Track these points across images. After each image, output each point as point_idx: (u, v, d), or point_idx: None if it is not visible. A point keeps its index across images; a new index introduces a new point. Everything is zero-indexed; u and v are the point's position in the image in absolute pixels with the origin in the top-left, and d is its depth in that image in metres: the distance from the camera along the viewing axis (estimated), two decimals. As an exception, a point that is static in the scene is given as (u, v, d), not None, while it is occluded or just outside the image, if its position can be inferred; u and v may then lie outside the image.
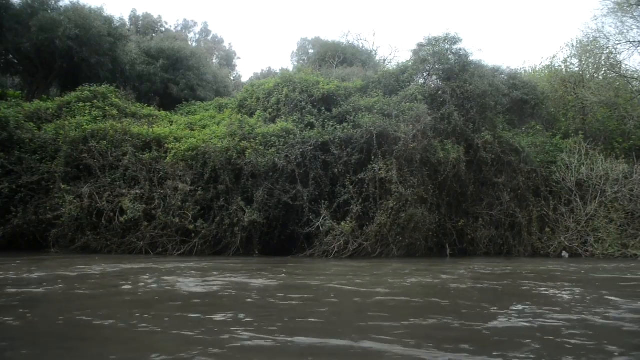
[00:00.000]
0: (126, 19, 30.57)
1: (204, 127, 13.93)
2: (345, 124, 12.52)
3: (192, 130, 13.65)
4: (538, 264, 10.63)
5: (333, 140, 12.24)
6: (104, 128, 12.27)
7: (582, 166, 14.06)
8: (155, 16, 35.16)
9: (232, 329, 4.00)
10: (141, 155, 11.99)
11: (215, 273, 7.73)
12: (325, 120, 12.96)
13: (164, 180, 11.69)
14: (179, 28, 44.30)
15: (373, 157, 11.97)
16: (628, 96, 17.49)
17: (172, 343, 3.62)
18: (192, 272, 7.85)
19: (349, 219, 11.47)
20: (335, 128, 12.52)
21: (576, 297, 6.07)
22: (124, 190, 11.45)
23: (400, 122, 12.40)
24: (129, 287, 6.19)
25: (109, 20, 19.23)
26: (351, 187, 11.84)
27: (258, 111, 13.88)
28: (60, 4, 18.77)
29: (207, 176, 11.66)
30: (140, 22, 33.18)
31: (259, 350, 3.49)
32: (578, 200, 13.62)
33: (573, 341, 3.79)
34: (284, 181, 11.83)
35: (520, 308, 5.19)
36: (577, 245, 12.92)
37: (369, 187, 11.76)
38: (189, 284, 6.42)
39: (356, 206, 11.60)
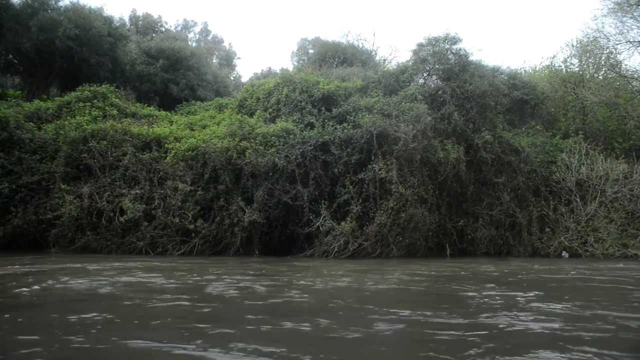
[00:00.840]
0: (126, 19, 30.61)
1: (204, 127, 13.93)
2: (345, 124, 12.52)
3: (192, 130, 13.65)
4: (503, 265, 10.30)
5: (333, 140, 12.24)
6: (104, 128, 12.27)
7: (582, 166, 14.07)
8: (155, 16, 35.19)
9: (75, 330, 3.89)
10: (141, 155, 11.99)
11: (136, 273, 7.48)
12: (325, 120, 12.96)
13: (164, 180, 11.69)
14: (179, 28, 44.31)
15: (373, 157, 11.97)
16: (628, 96, 17.49)
17: None
18: (112, 272, 7.51)
19: (349, 219, 11.46)
20: (335, 128, 12.52)
21: (492, 299, 5.69)
22: (124, 190, 11.45)
23: (400, 122, 12.40)
24: (18, 289, 5.89)
25: (109, 20, 19.22)
26: (351, 187, 11.84)
27: (258, 111, 13.88)
28: (60, 4, 18.80)
29: (207, 176, 11.65)
30: (140, 22, 33.18)
31: (85, 352, 3.41)
32: (578, 200, 13.62)
33: (431, 352, 3.52)
34: (284, 181, 11.83)
35: (412, 312, 4.86)
36: (577, 245, 12.93)
37: (369, 187, 11.76)
38: (82, 285, 6.18)
39: (356, 206, 11.60)
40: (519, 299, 5.79)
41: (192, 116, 15.89)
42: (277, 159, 11.77)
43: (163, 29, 35.12)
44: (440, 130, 13.21)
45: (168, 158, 11.94)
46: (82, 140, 11.98)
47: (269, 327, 4.20)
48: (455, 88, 13.76)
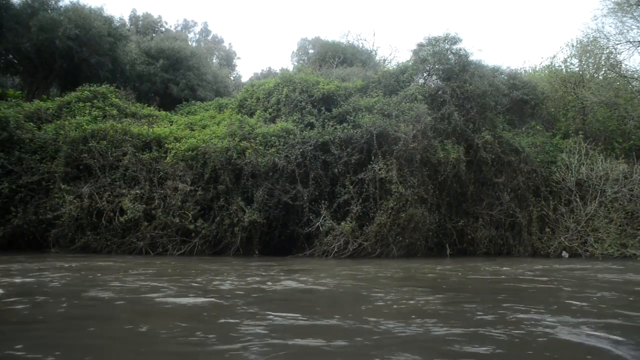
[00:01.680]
0: (126, 19, 30.65)
1: (204, 127, 13.93)
2: (345, 124, 12.53)
3: (192, 130, 13.65)
4: (467, 265, 9.90)
5: (333, 140, 12.24)
6: (104, 128, 12.27)
7: (582, 166, 14.06)
8: (155, 16, 35.21)
9: None
10: (141, 155, 11.99)
11: (46, 272, 7.24)
12: (325, 120, 12.96)
13: (164, 180, 11.69)
14: (179, 28, 44.33)
15: (373, 157, 11.97)
16: (628, 96, 17.48)
17: None
18: (28, 272, 7.25)
19: (349, 219, 11.47)
20: (335, 128, 12.52)
21: (395, 303, 5.32)
22: (124, 190, 11.45)
23: (400, 122, 12.40)
24: None
25: (109, 20, 19.24)
26: (351, 187, 11.84)
27: (258, 111, 13.88)
28: (60, 4, 18.83)
29: (207, 176, 11.65)
30: (140, 22, 33.20)
31: None
32: (578, 200, 13.62)
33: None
34: (284, 181, 11.83)
35: (296, 315, 4.54)
36: (577, 245, 12.92)
37: (369, 187, 11.76)
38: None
39: (356, 206, 11.60)
40: (424, 301, 5.40)
41: (192, 116, 15.90)
42: (277, 159, 11.78)
43: (163, 29, 35.14)
44: (440, 130, 13.21)
45: (168, 158, 11.94)
46: (82, 140, 11.98)
47: (116, 328, 3.96)
48: (455, 88, 13.76)
